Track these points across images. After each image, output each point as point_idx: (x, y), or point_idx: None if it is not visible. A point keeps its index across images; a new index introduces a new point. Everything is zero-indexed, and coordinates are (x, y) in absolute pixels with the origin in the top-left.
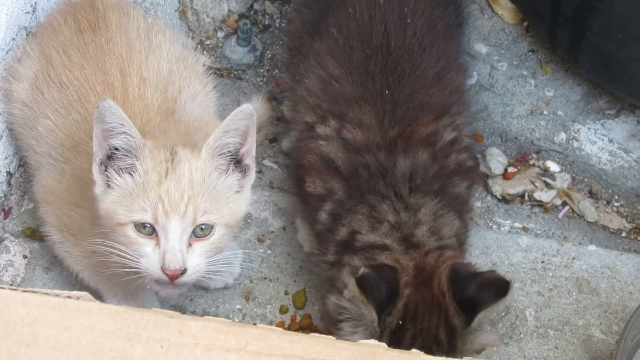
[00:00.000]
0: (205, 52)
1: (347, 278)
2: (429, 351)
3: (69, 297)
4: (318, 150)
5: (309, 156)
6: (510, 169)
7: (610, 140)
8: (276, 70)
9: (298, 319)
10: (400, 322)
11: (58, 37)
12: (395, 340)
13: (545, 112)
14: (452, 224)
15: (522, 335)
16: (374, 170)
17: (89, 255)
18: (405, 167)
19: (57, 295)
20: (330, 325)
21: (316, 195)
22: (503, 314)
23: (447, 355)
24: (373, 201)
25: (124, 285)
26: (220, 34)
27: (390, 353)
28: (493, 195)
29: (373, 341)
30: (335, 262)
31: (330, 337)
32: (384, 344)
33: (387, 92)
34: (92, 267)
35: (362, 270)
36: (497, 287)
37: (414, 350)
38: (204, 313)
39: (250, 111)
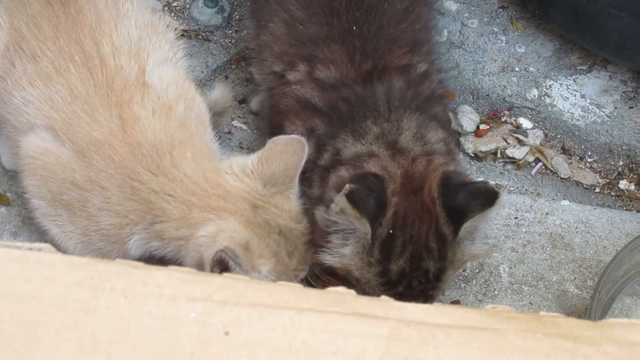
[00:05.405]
0: (172, 14)
1: (332, 193)
2: (419, 259)
3: (30, 249)
4: (293, 94)
5: (285, 100)
6: (483, 127)
7: (583, 96)
8: (244, 32)
9: None
10: (391, 231)
11: (27, 10)
12: (386, 249)
13: (517, 69)
14: (437, 131)
15: (496, 292)
16: (353, 102)
17: (87, 232)
18: (382, 92)
19: (18, 248)
20: (319, 238)
21: None
22: (477, 270)
23: (438, 263)
24: (356, 123)
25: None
26: None
27: (359, 300)
28: (465, 153)
29: (341, 288)
30: (320, 195)
31: (297, 285)
32: (353, 292)
33: (354, 28)
34: (86, 243)
35: (348, 186)
36: (485, 196)
37: (383, 297)
38: None
39: None
